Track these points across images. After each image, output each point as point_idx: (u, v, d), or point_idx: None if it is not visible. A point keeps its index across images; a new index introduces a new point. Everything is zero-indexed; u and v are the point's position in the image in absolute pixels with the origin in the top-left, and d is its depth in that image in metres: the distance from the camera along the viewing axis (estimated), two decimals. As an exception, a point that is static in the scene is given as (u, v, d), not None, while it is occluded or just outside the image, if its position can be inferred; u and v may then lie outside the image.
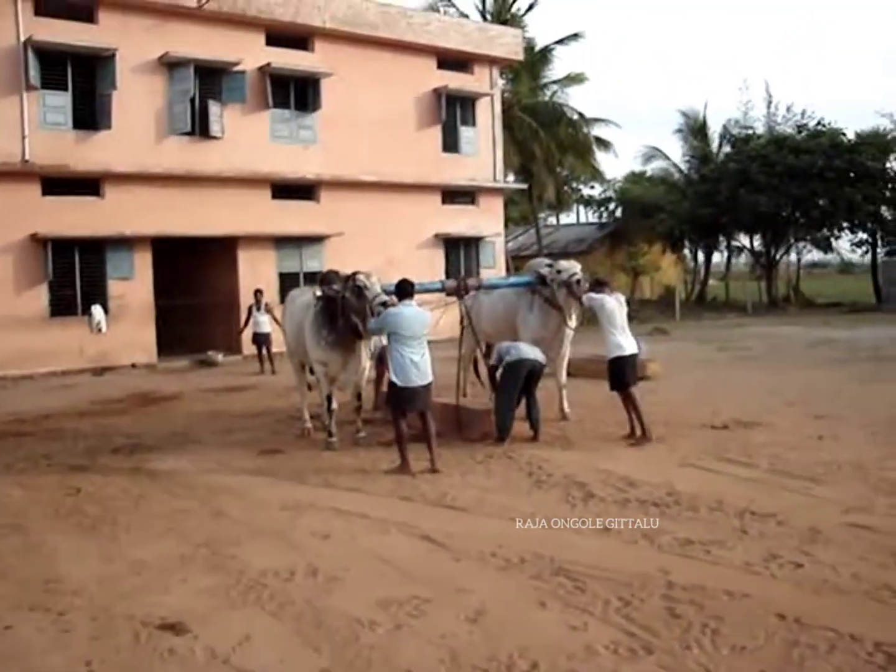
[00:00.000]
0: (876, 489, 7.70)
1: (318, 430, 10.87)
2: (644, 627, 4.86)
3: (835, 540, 6.31)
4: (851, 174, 34.81)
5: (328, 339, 10.11)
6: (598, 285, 10.85)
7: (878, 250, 39.09)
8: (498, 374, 10.46)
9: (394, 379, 8.88)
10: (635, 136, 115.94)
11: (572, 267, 11.24)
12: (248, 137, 22.07)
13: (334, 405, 10.44)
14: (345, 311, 9.83)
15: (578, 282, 10.91)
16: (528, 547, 6.26)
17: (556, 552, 6.12)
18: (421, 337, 8.96)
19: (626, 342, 10.33)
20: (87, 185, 19.98)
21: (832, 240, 41.66)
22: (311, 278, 22.92)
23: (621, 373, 10.23)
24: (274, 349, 18.71)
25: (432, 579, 5.72)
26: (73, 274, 19.82)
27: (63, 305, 19.71)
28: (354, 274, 9.87)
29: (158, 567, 6.21)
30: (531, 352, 10.36)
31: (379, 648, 4.71)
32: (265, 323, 18.83)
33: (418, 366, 8.85)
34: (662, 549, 6.20)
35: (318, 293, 10.17)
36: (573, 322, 11.57)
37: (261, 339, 18.88)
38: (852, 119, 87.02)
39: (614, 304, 10.42)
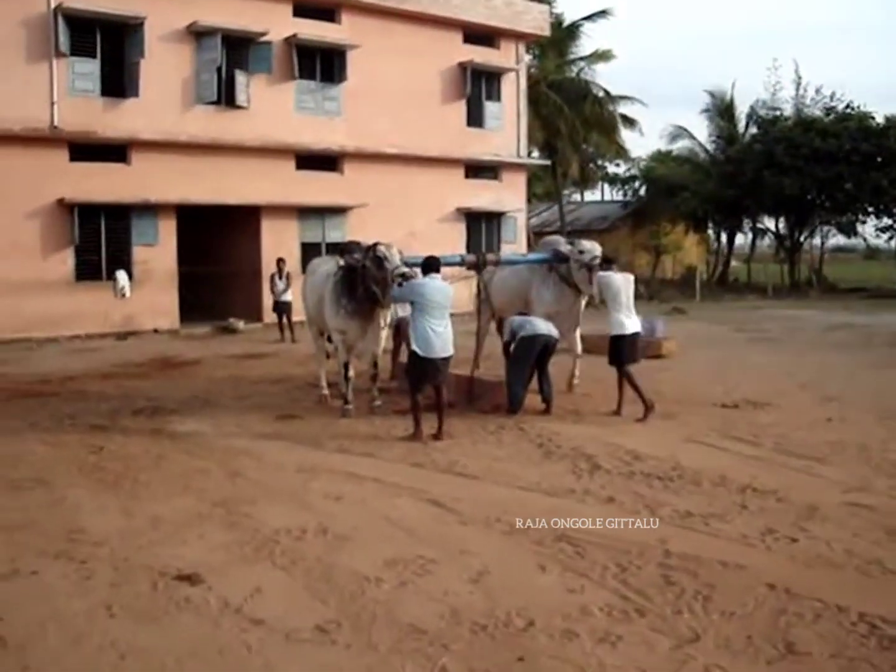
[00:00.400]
0: (877, 470, 7.85)
1: (335, 397, 11.10)
2: (638, 592, 5.06)
3: (832, 517, 6.48)
4: (879, 158, 34.56)
5: (347, 307, 10.27)
6: (606, 262, 11.04)
7: (904, 236, 38.87)
8: (511, 348, 10.61)
9: (415, 348, 9.09)
10: (662, 114, 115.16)
11: (594, 249, 11.43)
12: (274, 108, 22.24)
13: (351, 373, 10.65)
14: (364, 280, 9.98)
15: (597, 266, 11.10)
16: (532, 514, 6.47)
17: (557, 519, 6.32)
18: (444, 309, 9.19)
19: (628, 321, 10.52)
20: (114, 151, 20.25)
21: (857, 224, 41.50)
22: (334, 249, 23.17)
23: (619, 350, 10.43)
24: (294, 318, 19.01)
25: (438, 541, 5.95)
26: (99, 239, 20.13)
27: (88, 270, 20.04)
28: (375, 244, 10.07)
29: (176, 523, 6.46)
30: (545, 326, 10.54)
31: (383, 603, 4.94)
32: (287, 292, 19.07)
33: (441, 337, 9.09)
34: (663, 519, 6.40)
35: (341, 262, 10.37)
36: (584, 299, 11.84)
37: (282, 308, 19.15)
38: (883, 102, 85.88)
39: (621, 283, 10.62)
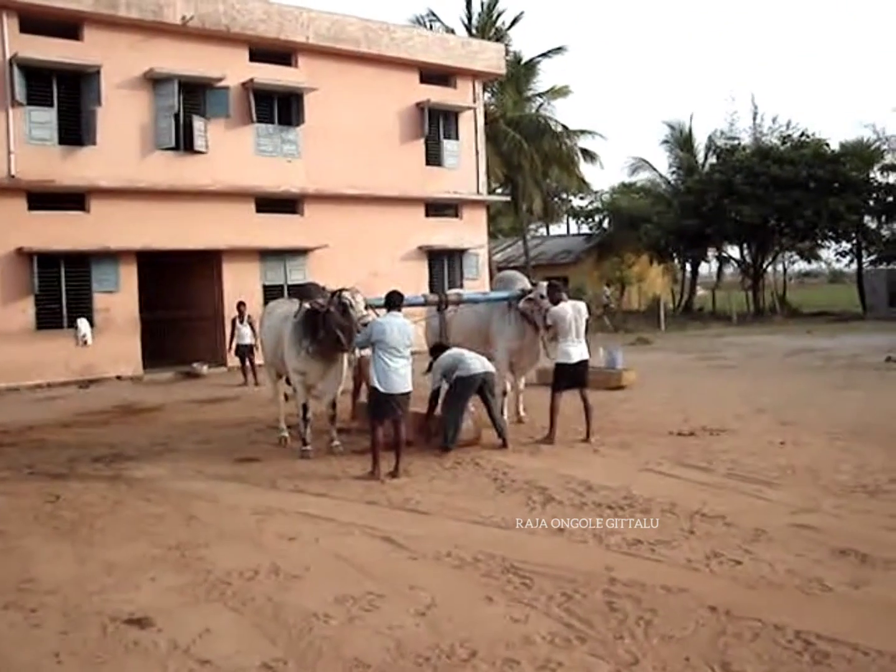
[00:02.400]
0: (825, 491, 8.00)
1: (295, 439, 11.12)
2: (582, 620, 5.15)
3: (777, 539, 6.61)
4: (835, 184, 35.24)
5: (309, 349, 10.32)
6: (554, 291, 11.20)
7: (863, 260, 39.55)
8: (443, 389, 10.59)
9: (376, 385, 9.20)
10: (623, 147, 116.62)
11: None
12: (232, 152, 22.37)
13: (310, 414, 10.71)
14: (327, 324, 10.03)
15: (551, 294, 11.29)
16: (482, 547, 6.56)
17: (508, 552, 6.42)
18: (405, 347, 9.28)
19: (574, 349, 10.76)
20: (73, 199, 20.23)
21: (817, 250, 42.20)
22: (296, 291, 23.26)
23: (561, 377, 10.80)
24: (258, 361, 19.02)
25: (388, 577, 6.01)
26: (59, 287, 20.04)
27: (49, 318, 19.93)
28: (340, 290, 10.17)
29: (129, 567, 6.48)
30: (480, 363, 10.62)
31: (331, 639, 5.00)
32: (248, 335, 19.12)
33: (400, 374, 9.20)
34: (610, 548, 6.50)
35: (306, 305, 10.36)
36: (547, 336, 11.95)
37: (244, 351, 19.17)
38: (836, 130, 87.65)
39: (572, 314, 10.82)
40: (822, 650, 4.61)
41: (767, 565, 6.00)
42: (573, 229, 58.04)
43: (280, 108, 23.35)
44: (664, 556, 6.30)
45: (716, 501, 7.71)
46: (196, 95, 21.76)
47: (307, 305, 10.36)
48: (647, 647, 4.75)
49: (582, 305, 11.21)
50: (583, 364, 10.86)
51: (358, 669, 4.58)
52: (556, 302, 11.05)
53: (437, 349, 11.05)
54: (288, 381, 11.53)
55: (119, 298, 20.78)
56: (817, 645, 4.67)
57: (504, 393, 11.94)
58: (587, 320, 11.15)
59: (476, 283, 25.77)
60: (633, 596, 5.48)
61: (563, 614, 5.24)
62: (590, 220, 52.47)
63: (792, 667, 4.46)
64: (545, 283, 11.68)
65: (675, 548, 6.46)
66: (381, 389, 9.16)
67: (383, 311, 9.92)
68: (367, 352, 10.45)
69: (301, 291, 11.20)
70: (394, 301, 9.60)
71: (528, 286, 12.05)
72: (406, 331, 9.33)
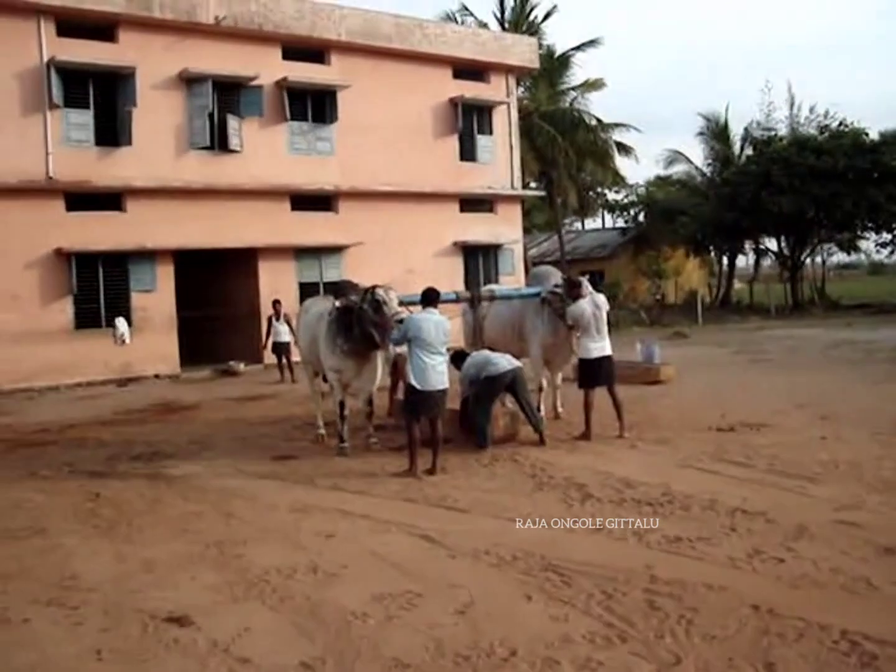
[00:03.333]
0: (869, 487, 7.86)
1: (332, 436, 11.13)
2: (622, 618, 5.09)
3: (820, 536, 6.50)
4: (875, 174, 34.68)
5: (343, 347, 10.30)
6: (572, 287, 11.10)
7: (904, 251, 38.96)
8: (474, 389, 10.51)
9: (413, 383, 9.21)
10: (659, 140, 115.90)
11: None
12: (267, 150, 22.48)
13: (346, 412, 10.66)
14: (362, 322, 9.98)
15: (569, 291, 11.27)
16: (521, 545, 6.51)
17: (547, 550, 6.37)
18: (441, 344, 9.28)
19: (595, 346, 10.74)
20: (110, 200, 20.46)
21: (857, 241, 41.62)
22: (331, 288, 23.34)
23: (585, 374, 10.80)
24: (296, 358, 19.10)
25: (426, 575, 5.98)
26: (97, 287, 20.27)
27: (88, 318, 20.15)
28: (374, 287, 10.11)
29: (169, 566, 6.50)
30: (506, 361, 10.52)
31: (368, 638, 4.98)
32: (284, 332, 19.19)
33: (437, 371, 9.21)
34: (650, 545, 6.43)
35: (337, 303, 10.33)
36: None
37: (280, 349, 19.25)
38: (876, 119, 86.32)
39: (590, 312, 10.74)
40: (869, 651, 4.51)
41: (811, 563, 5.90)
42: (608, 223, 57.64)
43: (313, 105, 23.43)
44: (705, 553, 6.22)
45: (757, 498, 7.61)
46: (230, 95, 21.87)
47: (338, 303, 10.35)
48: (688, 646, 4.69)
49: (602, 299, 11.13)
50: (605, 360, 10.80)
51: (397, 669, 4.56)
52: (575, 298, 10.93)
53: (457, 357, 10.91)
54: (324, 379, 11.53)
55: (156, 297, 20.96)
56: (864, 646, 4.58)
57: (540, 389, 11.89)
58: (607, 313, 11.11)
59: (511, 279, 25.68)
60: (674, 594, 5.41)
61: (604, 613, 5.19)
62: (625, 213, 52.02)
63: (839, 668, 4.37)
64: (581, 279, 11.61)
65: (716, 545, 6.37)
66: (419, 387, 9.15)
67: (418, 307, 9.89)
68: (403, 349, 10.46)
69: (335, 289, 11.19)
70: (430, 298, 9.62)
71: (561, 282, 11.92)
72: (443, 327, 9.34)
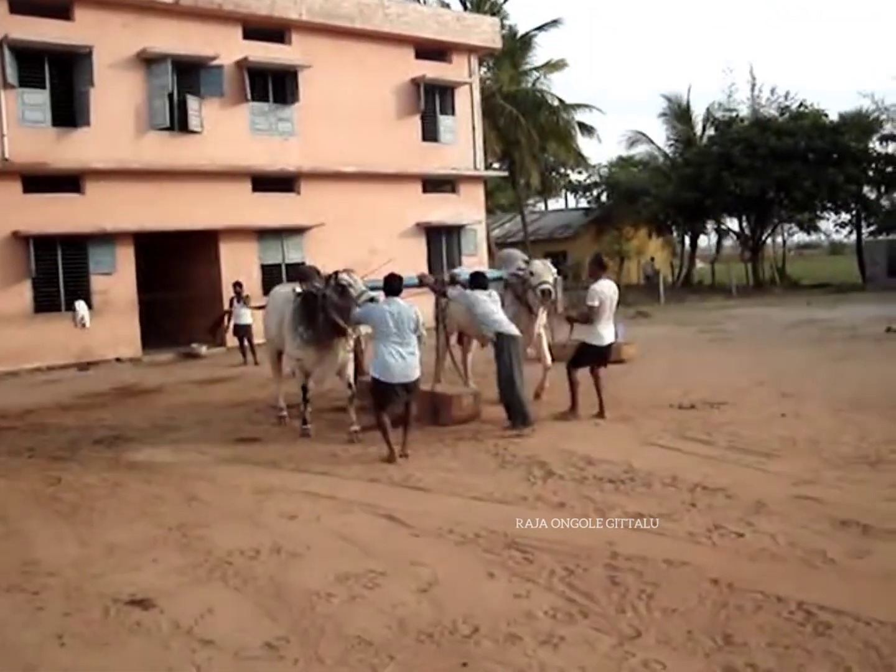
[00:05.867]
0: (827, 463, 7.98)
1: (295, 417, 11.09)
2: (584, 594, 5.14)
3: (778, 511, 6.59)
4: (834, 155, 35.10)
5: (304, 335, 10.13)
6: (599, 268, 10.73)
7: (863, 231, 39.45)
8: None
9: (374, 374, 8.94)
10: (622, 120, 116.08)
11: (542, 274, 11.36)
12: (228, 131, 22.27)
13: (310, 395, 10.57)
14: (325, 308, 9.79)
15: (547, 293, 11.17)
16: (484, 523, 6.54)
17: (509, 527, 6.41)
18: (408, 334, 8.94)
19: (607, 332, 10.51)
20: (68, 181, 20.17)
21: (816, 221, 42.12)
22: (293, 269, 23.25)
23: (587, 358, 10.57)
24: (258, 340, 19.03)
25: (389, 555, 6.00)
26: (56, 270, 20.02)
27: (47, 302, 19.91)
28: (336, 272, 9.95)
29: (131, 549, 6.47)
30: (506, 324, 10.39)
31: (333, 617, 4.99)
32: (245, 315, 19.07)
33: (402, 362, 8.84)
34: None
35: (298, 290, 10.17)
36: (541, 320, 11.88)
37: (241, 331, 19.14)
38: (835, 100, 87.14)
39: (606, 297, 10.42)
40: (824, 621, 4.60)
41: (769, 537, 5.99)
42: (571, 204, 57.92)
43: (275, 86, 23.25)
44: (666, 529, 6.28)
45: (717, 474, 7.70)
46: (190, 75, 21.62)
47: (298, 290, 10.20)
48: (649, 620, 4.75)
49: (614, 286, 10.77)
50: (610, 346, 10.70)
51: (360, 647, 4.58)
52: (597, 278, 10.56)
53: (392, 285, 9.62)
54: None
55: (116, 280, 20.76)
56: (819, 616, 4.66)
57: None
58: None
59: (475, 260, 25.71)
60: (635, 570, 5.47)
61: (566, 589, 5.23)
62: (588, 194, 52.32)
63: (794, 638, 4.45)
64: (539, 262, 11.54)
65: (677, 521, 6.44)
66: (380, 379, 8.88)
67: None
68: (364, 329, 10.37)
69: (298, 275, 11.01)
70: (392, 286, 9.26)
71: (524, 265, 11.86)
72: (406, 316, 8.96)
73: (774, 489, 7.18)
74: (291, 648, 4.63)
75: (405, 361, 8.87)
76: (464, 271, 13.11)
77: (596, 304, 10.30)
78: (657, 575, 5.38)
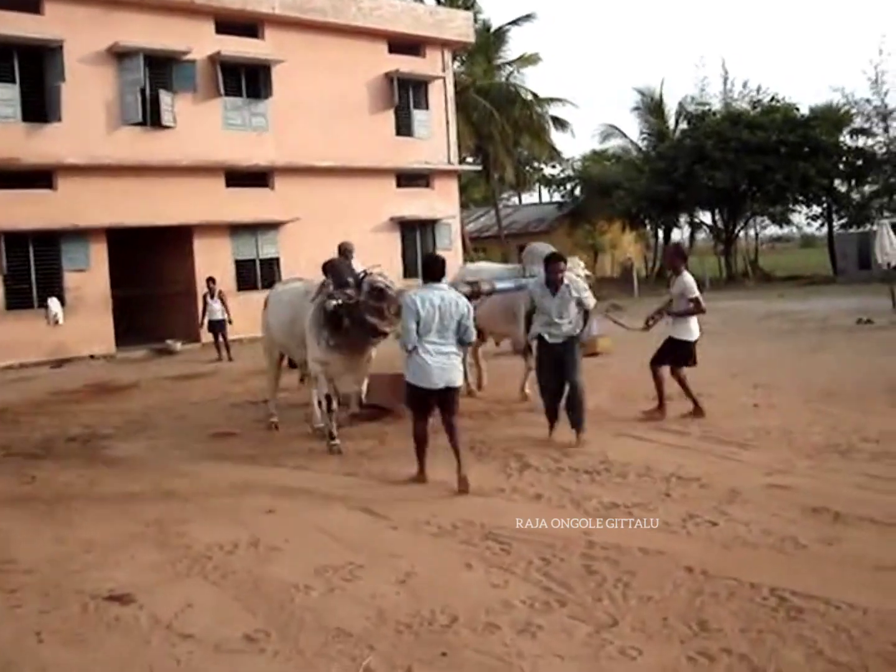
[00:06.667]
0: (799, 452, 8.08)
1: (284, 423, 10.85)
2: (561, 583, 5.20)
3: (752, 500, 6.68)
4: (805, 149, 35.41)
5: (330, 340, 8.95)
6: (683, 259, 10.50)
7: (834, 224, 39.81)
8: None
9: (408, 379, 7.52)
10: (594, 115, 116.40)
11: (575, 269, 10.46)
12: (201, 126, 22.17)
13: (334, 405, 9.27)
14: (361, 312, 8.62)
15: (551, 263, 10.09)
16: (461, 515, 6.60)
17: (487, 519, 6.46)
18: (448, 330, 7.39)
19: (696, 327, 10.41)
20: (39, 177, 20.01)
21: (788, 214, 42.46)
22: (268, 265, 23.26)
23: (685, 354, 10.23)
24: (232, 336, 19.03)
25: (367, 547, 6.04)
26: (28, 267, 19.88)
27: (19, 299, 19.77)
28: (366, 273, 8.88)
29: (108, 546, 6.46)
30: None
31: (311, 610, 5.03)
32: (219, 311, 19.04)
33: (440, 364, 7.34)
34: (588, 512, 6.55)
35: (334, 302, 8.65)
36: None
37: (215, 327, 19.08)
38: (806, 94, 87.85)
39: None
40: (796, 606, 4.69)
41: (743, 525, 6.07)
42: (545, 198, 58.07)
43: (248, 80, 23.17)
44: (641, 518, 6.36)
45: (691, 464, 7.78)
46: (162, 69, 21.51)
47: (334, 302, 8.66)
48: (625, 608, 4.81)
49: None
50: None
51: (340, 638, 4.62)
52: (680, 270, 10.20)
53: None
54: (291, 364, 11.08)
55: (90, 277, 20.63)
56: (792, 601, 4.75)
57: (531, 369, 10.78)
58: None
59: (449, 254, 25.64)
60: (611, 559, 5.53)
61: (542, 578, 5.29)
62: (562, 188, 52.46)
63: (767, 623, 4.53)
64: (575, 260, 10.65)
65: (652, 511, 6.52)
66: (415, 383, 7.43)
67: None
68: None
69: (329, 269, 9.34)
70: (433, 269, 7.61)
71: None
72: (452, 307, 7.40)
73: (747, 478, 7.27)
74: (271, 641, 4.66)
75: (448, 361, 7.39)
76: (492, 271, 11.79)
77: (692, 295, 10.07)
78: (633, 564, 5.44)
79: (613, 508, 6.62)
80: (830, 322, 19.30)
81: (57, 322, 19.65)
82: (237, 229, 22.94)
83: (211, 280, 19.48)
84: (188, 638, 4.76)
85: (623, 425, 9.63)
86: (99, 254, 20.76)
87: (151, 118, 21.33)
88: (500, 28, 38.40)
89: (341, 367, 9.32)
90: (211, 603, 5.26)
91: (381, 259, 19.88)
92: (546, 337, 9.00)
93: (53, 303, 19.73)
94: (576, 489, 7.17)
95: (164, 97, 21.44)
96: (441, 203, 27.01)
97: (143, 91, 21.00)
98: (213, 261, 22.01)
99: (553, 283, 8.88)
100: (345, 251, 11.84)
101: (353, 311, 8.63)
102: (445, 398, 7.45)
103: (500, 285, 10.67)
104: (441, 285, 7.54)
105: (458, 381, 7.55)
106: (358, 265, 10.23)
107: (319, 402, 9.54)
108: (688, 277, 10.14)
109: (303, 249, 22.76)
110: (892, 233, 20.72)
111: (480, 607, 4.89)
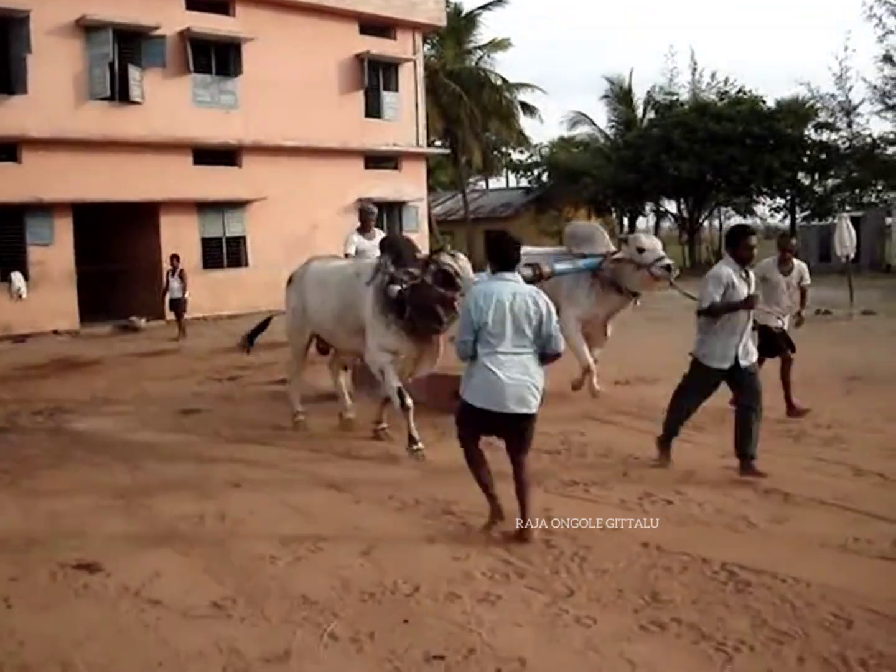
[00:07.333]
0: (754, 436, 8.31)
1: (248, 400, 11.10)
2: (520, 557, 5.37)
3: (706, 480, 6.91)
4: (770, 141, 35.81)
5: (397, 323, 7.99)
6: (792, 252, 9.82)
7: (797, 216, 40.34)
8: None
9: (464, 392, 5.81)
10: (563, 101, 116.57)
11: (656, 248, 9.99)
12: (169, 102, 22.05)
13: (409, 401, 8.08)
14: (423, 298, 7.69)
15: (668, 267, 9.77)
16: (424, 491, 6.76)
17: (448, 495, 6.62)
18: (519, 333, 5.59)
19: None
20: (4, 150, 19.85)
21: (752, 205, 42.96)
22: (234, 243, 23.22)
23: (775, 342, 9.63)
24: (197, 314, 19.03)
25: (332, 520, 6.19)
26: (-9, 240, 19.72)
27: (-19, 273, 19.61)
28: (435, 254, 7.91)
29: (76, 517, 6.53)
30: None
31: (278, 579, 5.16)
32: (177, 289, 19.01)
33: (506, 378, 5.56)
34: (548, 490, 6.72)
35: (397, 288, 7.82)
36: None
37: (174, 305, 19.05)
38: (772, 87, 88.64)
39: None
40: (744, 579, 4.90)
41: (697, 505, 6.28)
42: (512, 183, 58.15)
43: (217, 58, 23.08)
44: (599, 496, 6.55)
45: (649, 446, 7.92)
46: (131, 44, 21.37)
47: (398, 286, 7.83)
48: (581, 580, 4.99)
49: None
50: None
51: (305, 606, 4.75)
52: (789, 261, 9.57)
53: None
54: (322, 350, 9.71)
55: (54, 251, 20.52)
56: (741, 575, 4.95)
57: (587, 370, 10.42)
58: None
59: (416, 236, 25.74)
60: (569, 534, 5.71)
61: (503, 552, 5.46)
62: (529, 173, 52.60)
63: (716, 595, 4.73)
64: (642, 235, 10.12)
65: (610, 489, 6.71)
66: (473, 402, 5.72)
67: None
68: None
69: (390, 245, 8.44)
70: (506, 253, 5.78)
71: (609, 244, 10.28)
72: (524, 305, 5.59)
73: (703, 460, 7.49)
74: (238, 608, 4.78)
75: (526, 378, 5.64)
76: (561, 265, 10.05)
77: (806, 280, 9.66)
78: (590, 539, 5.62)
79: (572, 486, 6.80)
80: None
81: (20, 296, 19.54)
82: (204, 207, 22.88)
83: (175, 258, 19.42)
84: (156, 605, 4.87)
85: (585, 408, 9.83)
86: (64, 229, 20.63)
87: (119, 93, 21.20)
88: (471, 12, 38.41)
89: (413, 355, 8.25)
90: (178, 572, 5.38)
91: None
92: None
93: (16, 277, 19.62)
94: (537, 468, 7.32)
95: (133, 72, 21.30)
96: (408, 185, 27.08)
97: (111, 65, 20.85)
98: (179, 238, 21.95)
99: (743, 262, 7.20)
100: (365, 213, 10.51)
101: (417, 294, 7.68)
102: (517, 427, 5.78)
103: (559, 267, 9.77)
104: (514, 276, 5.75)
105: (531, 405, 5.71)
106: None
107: (385, 400, 8.54)
108: (803, 265, 9.79)
109: (270, 228, 22.81)
110: (850, 226, 21.06)
111: (442, 578, 5.05)
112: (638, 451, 7.77)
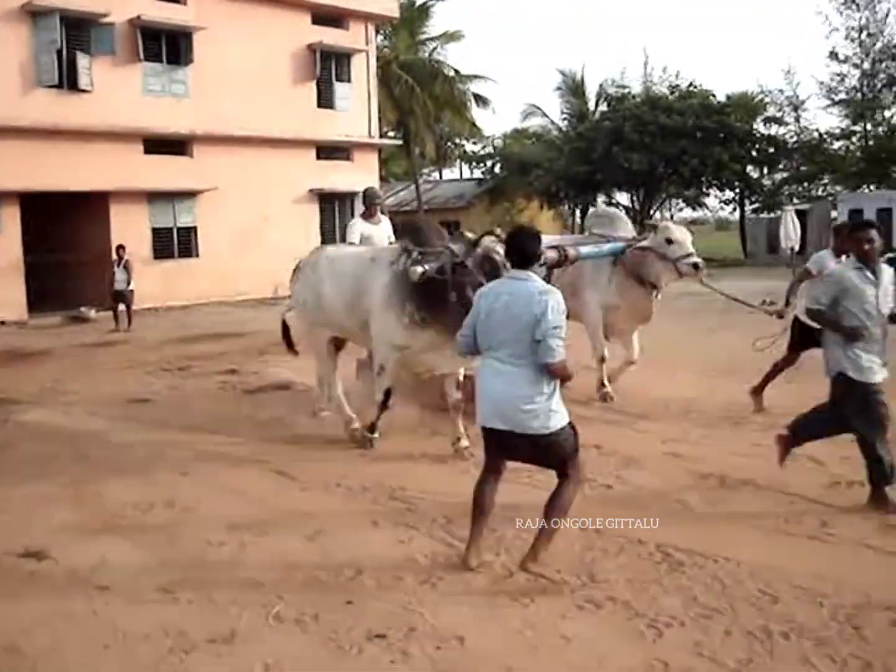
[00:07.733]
0: (694, 423, 8.55)
1: (198, 392, 11.09)
2: (462, 540, 5.46)
3: (647, 465, 7.10)
4: (720, 135, 36.35)
5: (416, 315, 7.36)
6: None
7: (746, 209, 40.98)
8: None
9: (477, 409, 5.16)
10: (516, 93, 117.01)
11: (686, 242, 9.34)
12: (119, 91, 21.87)
13: (391, 401, 7.91)
14: (463, 284, 6.82)
15: (696, 266, 9.24)
16: (371, 477, 6.88)
17: (395, 481, 6.74)
18: (521, 343, 4.84)
19: None
20: (-51, 138, 19.56)
21: (702, 197, 43.58)
22: (185, 233, 23.11)
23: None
24: (147, 305, 18.91)
25: (279, 507, 6.30)
26: (-63, 230, 19.44)
27: (-75, 262, 19.32)
28: (482, 238, 7.00)
29: (23, 506, 6.54)
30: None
31: (224, 563, 5.28)
32: (121, 280, 18.86)
33: (498, 392, 4.91)
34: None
35: (420, 269, 7.11)
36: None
37: (117, 297, 18.92)
38: (722, 82, 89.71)
39: None
40: (678, 559, 5.09)
41: (636, 489, 6.49)
42: (466, 174, 58.27)
43: (168, 46, 22.94)
44: (540, 482, 6.63)
45: (592, 433, 8.04)
46: (80, 31, 21.16)
47: (422, 268, 7.13)
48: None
49: None
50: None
51: (251, 589, 4.86)
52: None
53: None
54: (338, 347, 8.90)
55: (1, 241, 20.24)
56: (675, 556, 5.15)
57: (602, 360, 9.97)
58: None
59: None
60: (510, 518, 5.84)
61: (445, 536, 5.60)
62: (482, 165, 52.78)
63: (651, 574, 4.92)
64: (672, 225, 9.53)
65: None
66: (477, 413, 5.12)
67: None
68: None
69: (411, 230, 7.86)
70: (523, 250, 5.00)
71: (631, 230, 9.91)
72: (516, 306, 4.87)
73: (645, 447, 7.68)
74: (185, 592, 4.87)
75: (514, 391, 4.86)
76: (586, 249, 9.19)
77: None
78: (530, 522, 5.77)
79: (514, 472, 6.89)
80: (736, 303, 19.93)
81: (-34, 286, 19.30)
82: (154, 197, 22.75)
83: (121, 248, 19.28)
84: (104, 590, 4.94)
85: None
86: (11, 218, 20.40)
87: (68, 81, 20.99)
88: (424, 3, 38.44)
89: (431, 350, 7.52)
90: (127, 558, 5.44)
91: (299, 231, 20.24)
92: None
93: (-38, 267, 19.37)
94: (480, 454, 7.42)
95: (82, 60, 21.08)
96: (361, 176, 26.98)
97: (59, 52, 20.64)
98: (129, 228, 21.81)
99: (867, 260, 5.93)
100: (371, 198, 9.72)
101: (454, 278, 6.94)
102: (518, 449, 5.11)
103: (584, 250, 9.01)
104: (527, 274, 4.96)
105: (535, 425, 4.87)
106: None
107: (384, 397, 7.85)
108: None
109: (221, 219, 22.74)
110: (795, 219, 21.54)
111: (385, 561, 5.19)
112: (580, 438, 7.85)
